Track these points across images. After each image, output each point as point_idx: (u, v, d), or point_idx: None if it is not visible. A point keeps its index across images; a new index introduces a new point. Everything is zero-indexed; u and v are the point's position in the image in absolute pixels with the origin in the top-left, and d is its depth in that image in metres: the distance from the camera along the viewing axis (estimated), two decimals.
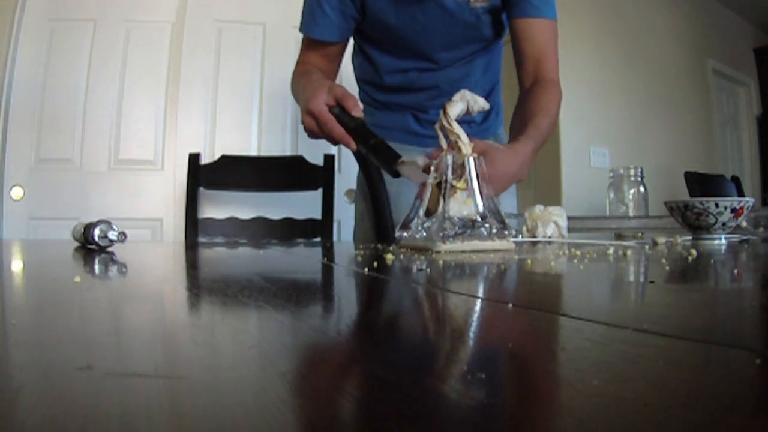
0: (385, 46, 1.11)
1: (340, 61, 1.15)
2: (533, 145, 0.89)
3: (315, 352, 0.21)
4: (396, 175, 0.75)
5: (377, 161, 0.80)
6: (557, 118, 1.03)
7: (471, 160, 0.70)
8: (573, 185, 2.67)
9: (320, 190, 1.60)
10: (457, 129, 0.70)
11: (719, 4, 3.75)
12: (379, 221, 1.00)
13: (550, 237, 0.89)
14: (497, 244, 0.68)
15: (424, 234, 0.68)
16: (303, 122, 0.88)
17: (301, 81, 1.01)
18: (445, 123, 0.70)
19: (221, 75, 2.15)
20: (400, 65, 1.12)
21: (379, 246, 0.82)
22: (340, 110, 0.84)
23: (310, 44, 1.10)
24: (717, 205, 0.87)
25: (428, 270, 0.46)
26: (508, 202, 1.19)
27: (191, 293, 0.36)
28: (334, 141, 0.84)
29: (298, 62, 1.12)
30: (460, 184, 0.68)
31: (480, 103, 0.72)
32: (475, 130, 1.18)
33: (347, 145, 0.82)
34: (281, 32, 2.18)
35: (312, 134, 0.88)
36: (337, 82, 1.14)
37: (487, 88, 1.18)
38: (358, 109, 0.83)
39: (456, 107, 0.70)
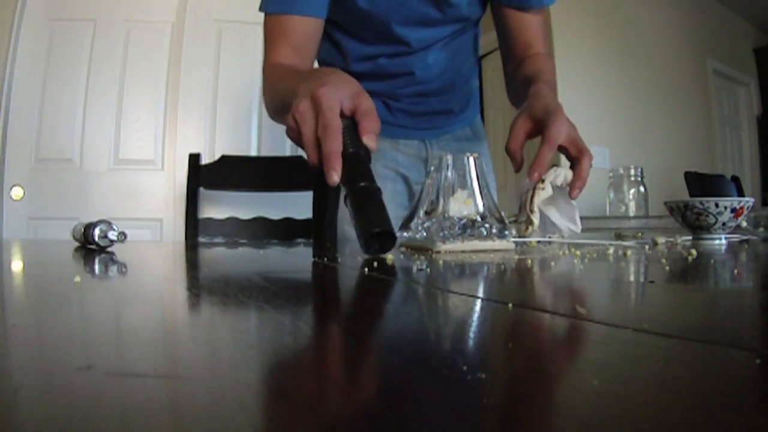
0: (352, 29, 0.97)
1: (313, 60, 0.97)
2: (551, 90, 0.82)
3: (315, 352, 0.21)
4: (366, 248, 0.56)
5: (351, 212, 0.58)
6: (555, 81, 0.96)
7: (471, 159, 0.71)
8: None
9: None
10: (535, 216, 0.70)
11: (719, 4, 3.75)
12: (316, 234, 0.91)
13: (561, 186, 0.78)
14: (497, 244, 0.68)
15: (424, 234, 0.68)
16: (297, 109, 0.61)
17: (294, 75, 0.78)
18: (528, 205, 0.71)
19: (221, 75, 2.16)
20: (368, 51, 0.99)
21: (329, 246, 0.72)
22: (349, 125, 0.61)
23: (280, 34, 0.89)
24: (717, 205, 0.87)
25: (428, 270, 0.46)
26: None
27: (191, 293, 0.36)
28: (316, 155, 0.60)
29: (266, 62, 0.89)
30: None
31: (562, 176, 0.72)
32: (452, 120, 1.12)
33: (327, 170, 0.57)
34: None
35: (294, 129, 0.62)
36: None
37: (465, 73, 1.09)
38: (371, 138, 0.60)
39: (546, 191, 0.70)
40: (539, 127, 0.73)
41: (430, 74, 1.02)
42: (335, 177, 0.57)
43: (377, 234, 0.55)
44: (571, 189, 0.72)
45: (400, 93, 1.04)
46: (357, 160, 0.59)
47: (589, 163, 0.71)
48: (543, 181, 0.71)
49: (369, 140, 0.60)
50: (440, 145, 1.12)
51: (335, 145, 0.57)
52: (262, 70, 0.91)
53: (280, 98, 0.80)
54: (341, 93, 0.61)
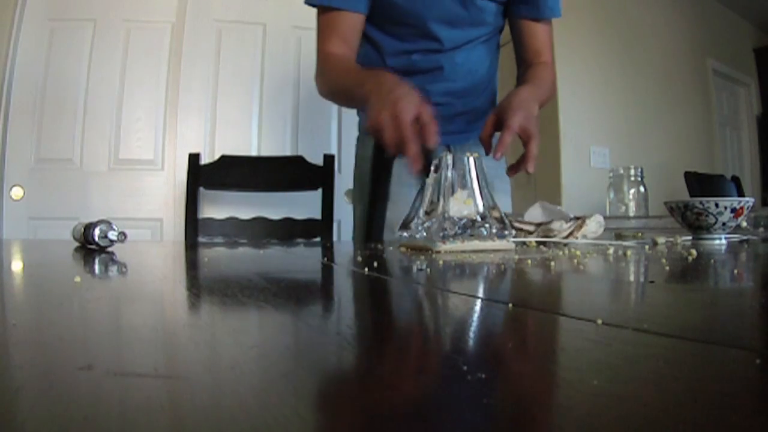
0: (388, 26, 1.09)
1: (357, 50, 1.10)
2: (534, 88, 0.98)
3: (315, 353, 0.21)
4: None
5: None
6: (554, 89, 1.14)
7: (471, 159, 0.71)
8: (573, 185, 2.67)
9: (320, 190, 1.60)
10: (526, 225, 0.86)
11: (719, 4, 3.75)
12: (370, 219, 1.02)
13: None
14: (497, 244, 0.68)
15: (424, 234, 0.68)
16: (378, 120, 0.77)
17: (353, 73, 0.96)
18: (572, 231, 0.83)
19: (221, 75, 2.15)
20: (404, 47, 1.10)
21: (378, 246, 0.82)
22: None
23: (330, 26, 1.04)
24: (717, 205, 0.87)
25: (428, 270, 0.46)
26: (503, 202, 1.20)
27: (191, 293, 0.36)
28: (395, 149, 0.76)
29: (320, 55, 1.05)
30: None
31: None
32: (473, 126, 1.19)
33: (412, 163, 0.74)
34: (281, 32, 2.18)
35: (376, 132, 0.78)
36: None
37: (486, 80, 1.19)
38: (434, 139, 0.75)
39: (589, 228, 0.83)
40: (501, 121, 0.89)
41: (457, 73, 1.13)
42: (417, 167, 0.74)
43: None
44: (525, 163, 0.86)
45: (430, 89, 1.13)
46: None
47: (535, 145, 0.86)
48: (586, 220, 0.87)
49: (431, 141, 0.75)
50: (464, 151, 1.19)
51: (416, 147, 0.75)
52: (317, 57, 1.06)
53: (341, 90, 1.02)
54: (414, 104, 0.78)
